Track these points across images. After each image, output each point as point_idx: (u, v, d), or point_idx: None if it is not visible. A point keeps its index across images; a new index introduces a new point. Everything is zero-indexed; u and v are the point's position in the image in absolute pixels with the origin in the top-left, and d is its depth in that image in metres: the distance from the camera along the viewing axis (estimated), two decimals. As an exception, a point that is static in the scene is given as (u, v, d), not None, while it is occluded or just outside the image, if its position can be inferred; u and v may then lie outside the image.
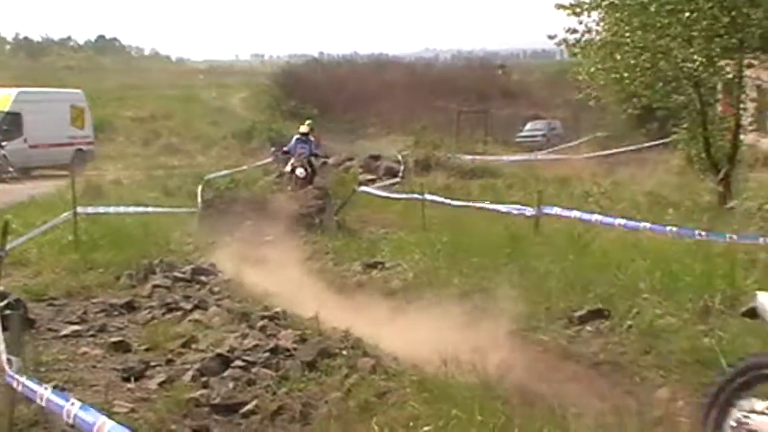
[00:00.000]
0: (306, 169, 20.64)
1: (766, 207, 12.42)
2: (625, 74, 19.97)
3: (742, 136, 21.06)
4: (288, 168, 21.03)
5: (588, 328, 8.09)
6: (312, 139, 21.89)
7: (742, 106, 20.52)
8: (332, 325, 9.05)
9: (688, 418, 6.06)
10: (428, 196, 15.28)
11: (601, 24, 20.82)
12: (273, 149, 29.23)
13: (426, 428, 5.04)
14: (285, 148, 21.82)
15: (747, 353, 6.71)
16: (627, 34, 19.29)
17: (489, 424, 5.00)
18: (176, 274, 11.11)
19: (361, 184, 22.41)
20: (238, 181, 22.81)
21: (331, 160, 27.93)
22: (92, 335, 7.98)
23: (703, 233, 9.18)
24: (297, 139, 21.32)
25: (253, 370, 6.94)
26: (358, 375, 6.72)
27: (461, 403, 5.57)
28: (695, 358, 6.94)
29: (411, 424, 5.40)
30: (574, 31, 20.72)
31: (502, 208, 12.68)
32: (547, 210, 11.67)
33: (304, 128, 22.15)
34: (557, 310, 8.53)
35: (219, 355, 7.17)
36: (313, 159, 21.41)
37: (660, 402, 6.44)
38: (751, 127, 22.19)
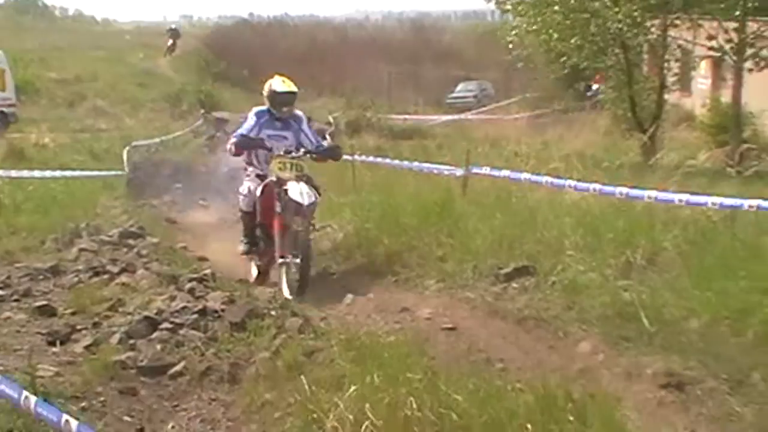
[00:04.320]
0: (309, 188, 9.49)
1: (686, 163, 12.67)
2: (554, 35, 20.21)
3: (666, 96, 21.50)
4: (252, 185, 9.88)
5: (514, 284, 8.21)
6: (302, 114, 10.23)
7: (666, 66, 20.92)
8: (259, 286, 9.11)
9: (607, 370, 6.25)
10: (358, 158, 15.26)
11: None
12: (203, 111, 28.94)
13: (353, 387, 5.08)
14: (240, 132, 9.92)
15: (663, 307, 6.95)
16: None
17: (415, 381, 5.06)
18: (103, 237, 10.93)
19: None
20: (168, 143, 22.48)
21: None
22: (16, 300, 7.83)
23: (624, 191, 9.33)
24: (268, 113, 9.90)
25: (181, 332, 6.90)
26: (287, 335, 6.73)
27: (388, 360, 5.63)
28: (616, 313, 7.11)
29: (338, 382, 5.44)
30: (506, -12, 20.89)
31: (433, 168, 12.74)
32: (476, 170, 11.76)
33: (282, 84, 9.95)
34: (484, 267, 8.63)
35: (146, 317, 7.10)
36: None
37: (581, 355, 6.61)
38: (674, 87, 22.62)
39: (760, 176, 13.37)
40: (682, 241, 8.29)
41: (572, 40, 20.32)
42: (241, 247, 10.17)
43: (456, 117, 34.44)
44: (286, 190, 9.27)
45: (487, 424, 4.64)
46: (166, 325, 7.00)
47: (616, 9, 18.72)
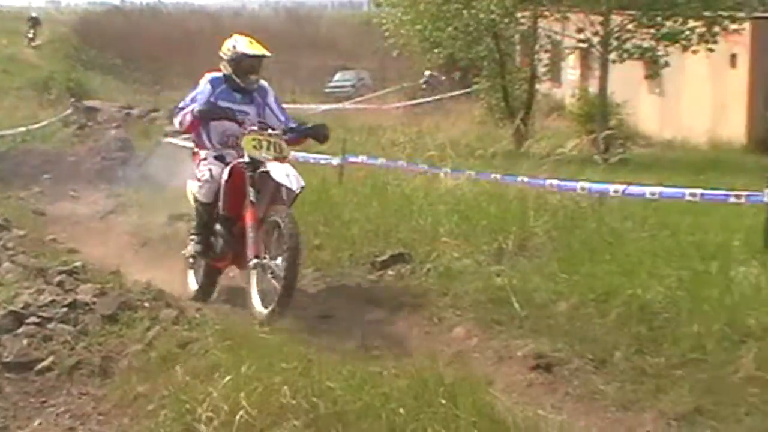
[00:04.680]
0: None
1: (556, 151, 13.04)
2: (429, 25, 20.46)
3: (537, 86, 22.07)
4: (215, 168, 7.96)
5: (390, 272, 8.30)
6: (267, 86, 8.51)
7: (537, 56, 21.47)
8: (135, 278, 8.91)
9: (480, 353, 6.40)
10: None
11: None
12: (72, 100, 28.10)
13: (228, 377, 5.05)
14: (200, 101, 8.07)
15: (534, 291, 7.14)
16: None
17: (291, 368, 5.06)
18: (-35, 230, 10.53)
19: (166, 135, 21.86)
20: (36, 133, 21.69)
21: (135, 112, 27.07)
22: None
23: (497, 176, 9.56)
24: (225, 82, 8.15)
25: (49, 326, 6.69)
26: (161, 326, 6.61)
27: (263, 349, 5.62)
28: (489, 298, 7.26)
29: (212, 372, 5.40)
30: (379, -22, 21.02)
31: (309, 157, 12.70)
32: (353, 158, 11.81)
33: (250, 45, 8.19)
34: (361, 256, 8.70)
35: (12, 312, 6.85)
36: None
37: (456, 340, 6.75)
38: (545, 77, 23.24)
39: (624, 163, 13.90)
40: (551, 227, 8.54)
41: (446, 30, 20.60)
42: (192, 248, 8.23)
43: (334, 106, 34.40)
44: (266, 173, 7.35)
45: (362, 409, 4.68)
46: (33, 319, 6.76)
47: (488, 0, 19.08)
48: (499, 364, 6.23)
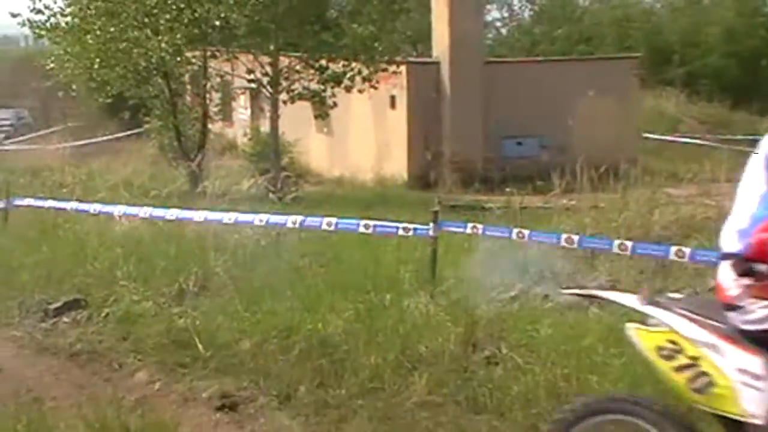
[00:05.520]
0: None
1: (232, 190, 13.18)
2: (96, 61, 19.86)
3: (209, 126, 22.14)
4: None
5: (65, 319, 7.92)
6: None
7: (208, 96, 21.57)
8: None
9: (164, 397, 6.29)
10: None
11: (69, 8, 20.46)
12: None
13: None
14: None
15: (217, 331, 7.13)
16: (94, 21, 19.19)
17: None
18: None
19: None
20: None
21: None
22: None
23: (175, 213, 9.47)
24: None
25: None
26: None
27: None
28: (171, 340, 7.15)
29: None
30: (40, 11, 20.12)
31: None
32: (18, 201, 11.18)
33: None
34: (32, 303, 8.21)
35: None
36: None
37: (138, 385, 6.57)
38: (217, 117, 23.40)
39: (298, 201, 14.29)
40: (232, 266, 8.60)
41: (115, 69, 20.13)
42: None
43: (-9, 147, 32.34)
44: None
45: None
46: None
47: (159, 38, 18.90)
48: (185, 407, 6.13)
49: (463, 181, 22.36)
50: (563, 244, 7.57)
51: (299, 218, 8.83)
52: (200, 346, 6.88)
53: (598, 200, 10.92)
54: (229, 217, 9.28)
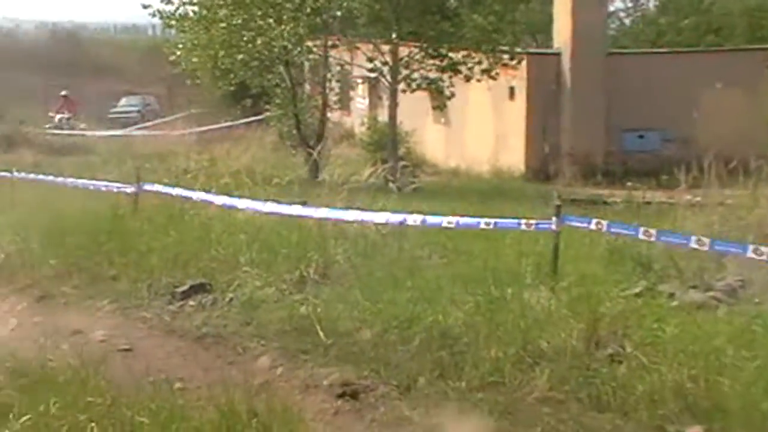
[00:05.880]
0: None
1: (351, 179, 13.27)
2: (220, 51, 20.31)
3: (328, 114, 22.36)
4: None
5: (191, 302, 8.16)
6: None
7: (327, 85, 21.78)
8: None
9: (286, 383, 6.40)
10: (17, 174, 14.41)
11: (196, -2, 20.98)
12: None
13: (25, 417, 4.79)
14: None
15: (338, 319, 7.23)
16: (221, 11, 19.62)
17: (96, 405, 4.88)
18: None
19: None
20: None
21: None
22: None
23: (295, 210, 9.58)
24: None
25: None
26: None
27: (63, 386, 5.38)
28: (293, 327, 7.28)
29: (6, 413, 5.11)
30: (170, 2, 20.67)
31: (101, 185, 12.32)
32: (148, 187, 11.52)
33: None
34: (160, 286, 8.50)
35: None
36: None
37: (261, 370, 6.70)
38: (336, 106, 23.61)
39: (417, 192, 14.31)
40: (352, 254, 8.67)
41: (238, 57, 20.53)
42: None
43: (120, 132, 33.46)
44: None
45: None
46: None
47: (282, 27, 19.19)
48: (306, 393, 6.23)
49: (583, 175, 21.98)
50: (693, 246, 7.31)
51: (419, 217, 8.81)
52: (321, 334, 6.98)
53: (726, 197, 10.57)
54: (349, 216, 9.33)
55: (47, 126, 29.28)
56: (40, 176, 14.63)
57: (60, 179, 14.09)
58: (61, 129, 28.76)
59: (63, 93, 31.24)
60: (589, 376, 5.83)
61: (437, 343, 6.47)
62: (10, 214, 12.03)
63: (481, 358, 6.15)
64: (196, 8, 20.88)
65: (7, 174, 14.69)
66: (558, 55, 24.30)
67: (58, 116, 29.84)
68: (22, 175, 14.65)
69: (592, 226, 7.79)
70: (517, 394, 5.77)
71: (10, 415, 4.98)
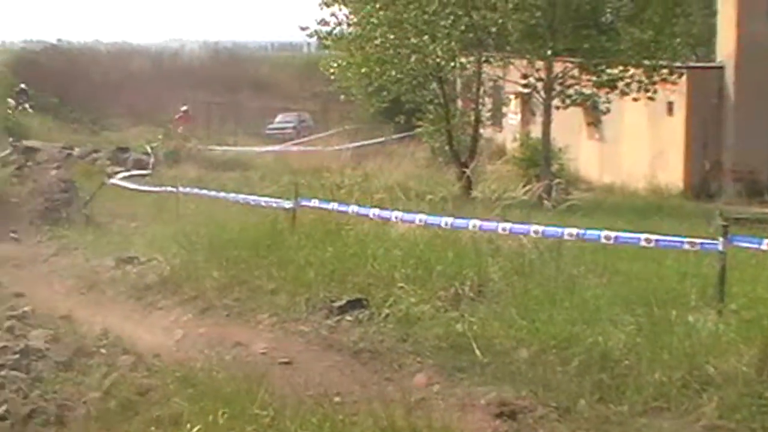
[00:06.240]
0: None
1: (504, 195, 13.14)
2: (375, 69, 20.62)
3: (481, 130, 22.32)
4: None
5: (348, 317, 8.25)
6: None
7: (480, 101, 21.75)
8: (85, 323, 8.73)
9: (443, 401, 6.37)
10: (182, 189, 15.01)
11: (352, 18, 21.39)
12: (11, 140, 27.62)
13: (197, 427, 4.95)
14: None
15: (494, 337, 7.16)
16: (376, 29, 19.92)
17: (259, 417, 5.00)
18: None
19: (109, 176, 21.61)
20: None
21: (76, 152, 26.70)
22: None
23: (449, 222, 9.56)
24: None
25: (1, 373, 6.54)
26: (118, 373, 6.51)
27: (228, 397, 5.54)
28: (449, 344, 7.26)
29: (177, 421, 5.30)
30: (326, 23, 21.16)
31: (261, 200, 12.66)
32: (305, 202, 11.75)
33: None
34: (317, 300, 8.64)
35: (-38, 359, 6.70)
36: None
37: (418, 387, 6.71)
38: (488, 122, 23.53)
39: (573, 210, 14.01)
40: (508, 272, 8.58)
41: (392, 74, 20.78)
42: None
43: (276, 148, 34.40)
44: None
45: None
46: (-17, 366, 6.62)
47: (436, 44, 19.32)
48: (463, 412, 6.19)
49: (747, 193, 21.12)
50: None
51: (576, 230, 8.62)
52: (477, 352, 6.93)
53: None
54: (503, 227, 9.24)
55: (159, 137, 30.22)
56: (203, 191, 15.18)
57: (221, 194, 14.57)
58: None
59: (183, 108, 32.14)
60: (763, 405, 5.55)
61: (597, 365, 6.32)
62: (175, 227, 12.51)
63: (645, 382, 5.97)
64: (351, 28, 21.29)
65: (173, 189, 15.33)
66: (721, 68, 23.47)
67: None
68: (186, 189, 15.23)
69: (764, 247, 7.42)
70: (683, 421, 5.58)
71: (181, 425, 5.14)
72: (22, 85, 39.27)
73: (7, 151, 25.43)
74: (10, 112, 36.16)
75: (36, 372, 6.59)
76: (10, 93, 41.31)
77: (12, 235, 15.21)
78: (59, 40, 65.73)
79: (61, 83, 45.72)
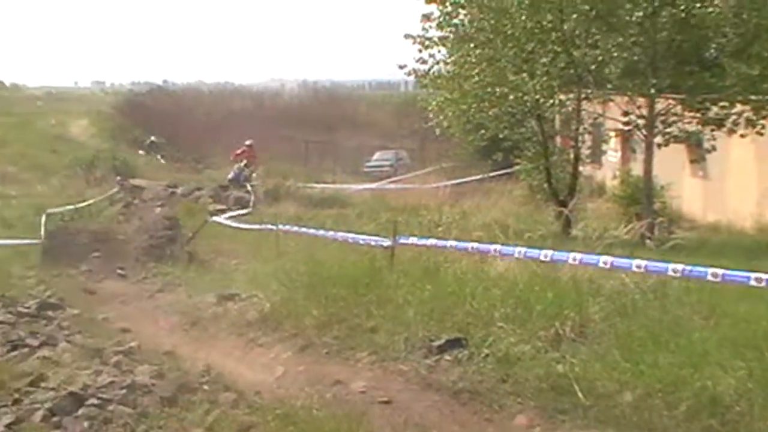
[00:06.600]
0: None
1: (605, 234, 12.91)
2: (473, 106, 20.61)
3: (580, 168, 22.03)
4: None
5: (447, 357, 8.19)
6: None
7: (579, 138, 21.48)
8: (188, 359, 8.89)
9: (546, 444, 6.27)
10: (282, 226, 15.22)
11: (450, 57, 21.47)
12: (119, 178, 28.54)
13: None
14: None
15: (596, 380, 7.00)
16: (474, 67, 19.93)
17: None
18: (20, 309, 10.62)
19: (211, 214, 22.10)
20: (83, 211, 21.95)
21: (179, 190, 27.40)
22: (-70, 377, 7.50)
23: (548, 254, 9.41)
24: None
25: (109, 407, 6.70)
26: (220, 410, 6.59)
27: (329, 436, 5.55)
28: (550, 385, 7.14)
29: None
30: (424, 62, 21.29)
31: (359, 238, 12.73)
32: (404, 240, 11.76)
33: None
34: (416, 339, 8.60)
35: (71, 393, 6.88)
36: None
37: (518, 429, 6.61)
38: (587, 159, 23.21)
39: (677, 249, 13.70)
40: (610, 313, 8.41)
41: (490, 112, 20.74)
42: None
43: (374, 186, 34.66)
44: None
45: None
46: (92, 400, 6.79)
47: (534, 81, 19.22)
48: (566, 455, 6.08)
49: None
50: None
51: (680, 267, 8.38)
52: (580, 394, 6.80)
53: None
54: (604, 261, 9.05)
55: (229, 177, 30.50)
56: (302, 228, 15.36)
57: (320, 231, 14.72)
58: (238, 179, 29.79)
59: (248, 142, 32.39)
60: None
61: (706, 411, 6.12)
62: (275, 265, 12.67)
63: (757, 429, 5.75)
64: (449, 67, 21.37)
65: (273, 226, 15.56)
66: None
67: (237, 165, 30.90)
68: (286, 227, 15.44)
69: None
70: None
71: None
72: (153, 138, 40.41)
73: (114, 190, 26.30)
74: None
75: (142, 407, 6.73)
76: (140, 144, 42.67)
77: (119, 271, 15.67)
78: (165, 81, 68.05)
79: (166, 123, 47.21)
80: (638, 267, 8.75)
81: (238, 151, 31.90)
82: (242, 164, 30.73)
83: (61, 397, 6.80)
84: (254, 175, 30.69)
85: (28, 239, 17.09)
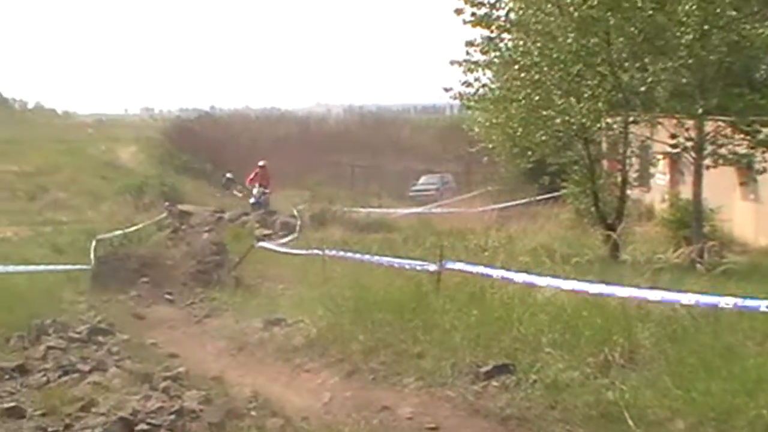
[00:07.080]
0: None
1: (654, 258, 12.77)
2: (519, 130, 20.53)
3: (628, 191, 21.81)
4: None
5: (494, 383, 8.13)
6: None
7: (627, 162, 21.28)
8: (235, 384, 8.91)
9: (597, 472, 6.17)
10: (328, 251, 15.25)
11: (495, 80, 21.44)
12: (167, 204, 28.83)
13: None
14: None
15: (647, 407, 6.90)
16: (520, 91, 19.87)
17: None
18: (71, 334, 10.76)
19: (258, 239, 22.23)
20: (132, 236, 22.21)
21: (226, 215, 27.61)
22: (-18, 401, 7.61)
23: (597, 289, 9.29)
24: None
25: (159, 433, 6.75)
26: (268, 436, 6.60)
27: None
28: (599, 412, 7.05)
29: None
30: (470, 85, 21.27)
31: (405, 263, 12.70)
32: (450, 265, 11.72)
33: None
34: (463, 365, 8.56)
35: (121, 418, 6.93)
36: None
37: (570, 457, 6.54)
38: (635, 182, 22.98)
39: (727, 274, 13.51)
40: (660, 338, 8.29)
41: (536, 135, 20.64)
42: None
43: (420, 210, 34.66)
44: None
45: None
46: (142, 426, 6.84)
47: (581, 104, 19.10)
48: (617, 485, 5.99)
49: None
50: None
51: (733, 300, 8.21)
52: (630, 422, 6.71)
53: None
54: (654, 296, 8.92)
55: (251, 201, 30.37)
56: (348, 253, 15.37)
57: (366, 256, 14.72)
58: (259, 203, 29.76)
59: (261, 163, 31.88)
60: None
61: (761, 440, 6.00)
62: (321, 290, 12.69)
63: (813, 460, 5.62)
64: (495, 90, 21.33)
65: (319, 252, 15.60)
66: None
67: (255, 189, 30.73)
68: (332, 252, 15.47)
69: None
70: None
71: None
72: (229, 175, 40.88)
73: (163, 215, 26.57)
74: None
75: (190, 433, 6.76)
76: (220, 181, 43.07)
77: (167, 296, 15.81)
78: (212, 107, 68.79)
79: (213, 148, 47.71)
80: (689, 300, 8.58)
81: (251, 176, 31.89)
82: (261, 188, 30.65)
83: (111, 423, 6.86)
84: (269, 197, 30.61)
85: (79, 265, 17.33)
